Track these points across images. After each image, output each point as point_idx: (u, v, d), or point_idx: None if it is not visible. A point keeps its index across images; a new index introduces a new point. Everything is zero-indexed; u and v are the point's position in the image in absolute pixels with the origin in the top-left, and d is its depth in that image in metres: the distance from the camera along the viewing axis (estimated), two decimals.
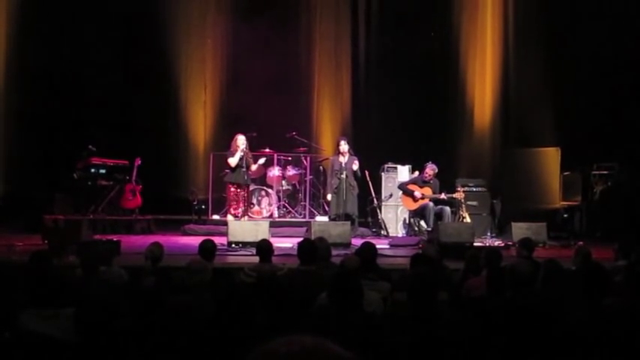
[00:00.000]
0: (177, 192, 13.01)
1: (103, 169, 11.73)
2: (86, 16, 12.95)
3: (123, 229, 11.26)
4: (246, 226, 9.75)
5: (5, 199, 12.43)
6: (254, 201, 11.87)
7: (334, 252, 6.85)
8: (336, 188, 10.99)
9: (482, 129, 13.88)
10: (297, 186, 12.51)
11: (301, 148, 12.53)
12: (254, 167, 11.04)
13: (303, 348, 1.36)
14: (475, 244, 9.40)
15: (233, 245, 9.28)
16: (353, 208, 11.04)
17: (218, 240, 7.43)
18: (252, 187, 11.71)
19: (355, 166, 10.98)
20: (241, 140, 10.81)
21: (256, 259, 6.41)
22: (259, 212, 11.86)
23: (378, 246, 6.38)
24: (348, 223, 10.15)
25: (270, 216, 11.79)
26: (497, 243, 10.37)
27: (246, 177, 10.88)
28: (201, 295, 4.44)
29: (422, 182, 11.15)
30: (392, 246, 10.19)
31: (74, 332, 3.51)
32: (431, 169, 11.08)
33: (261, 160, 11.24)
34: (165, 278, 5.60)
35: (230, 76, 13.77)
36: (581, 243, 7.87)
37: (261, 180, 12.23)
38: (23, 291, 4.18)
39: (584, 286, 4.03)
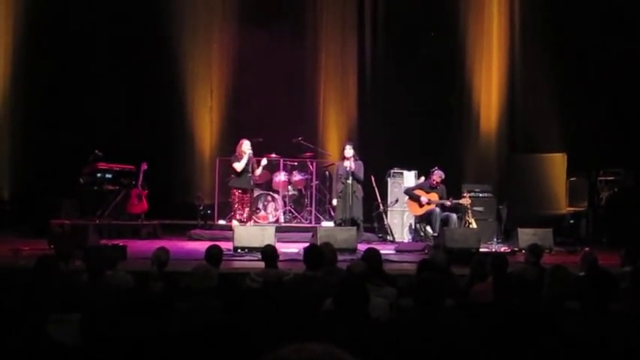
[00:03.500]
0: (183, 197, 13.02)
1: (109, 173, 11.75)
2: (92, 22, 12.98)
3: (129, 233, 11.26)
4: (252, 232, 9.73)
5: (12, 203, 12.48)
6: (260, 206, 11.87)
7: (340, 257, 6.84)
8: (340, 192, 10.97)
9: (488, 134, 13.87)
10: (303, 191, 12.52)
11: (307, 153, 12.54)
12: (258, 172, 11.06)
13: (312, 355, 1.37)
14: (481, 249, 9.39)
15: (239, 250, 9.29)
16: (358, 212, 11.00)
17: (224, 245, 7.43)
18: (258, 193, 11.72)
19: (344, 171, 10.90)
20: (246, 145, 10.83)
21: (262, 264, 6.42)
22: (265, 217, 11.86)
23: (384, 251, 6.37)
24: (354, 228, 10.13)
25: (276, 221, 11.78)
26: (503, 249, 10.35)
27: (251, 182, 10.90)
28: (207, 300, 4.44)
29: (429, 188, 11.11)
30: (398, 251, 10.17)
31: (81, 337, 3.51)
32: (438, 175, 10.99)
33: (264, 161, 11.23)
34: (171, 283, 5.61)
35: (236, 81, 13.78)
36: (587, 249, 7.83)
37: (267, 185, 12.25)
38: (29, 296, 4.19)
39: (590, 292, 4.01)
